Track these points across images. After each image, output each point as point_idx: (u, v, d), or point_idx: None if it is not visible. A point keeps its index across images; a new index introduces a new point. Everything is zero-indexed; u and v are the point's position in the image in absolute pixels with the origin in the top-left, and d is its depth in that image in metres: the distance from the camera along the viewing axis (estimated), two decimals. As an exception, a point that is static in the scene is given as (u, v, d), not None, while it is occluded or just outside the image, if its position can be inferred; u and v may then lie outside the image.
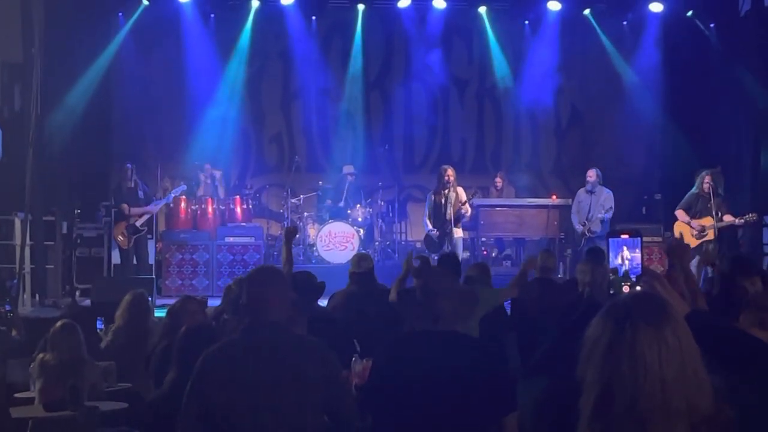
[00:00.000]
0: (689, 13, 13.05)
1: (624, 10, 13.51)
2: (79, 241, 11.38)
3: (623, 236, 2.91)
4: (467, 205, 10.47)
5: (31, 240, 10.46)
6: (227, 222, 12.04)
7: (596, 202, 10.96)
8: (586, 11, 13.47)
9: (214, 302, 7.48)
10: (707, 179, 10.14)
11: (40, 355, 5.79)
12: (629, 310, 1.98)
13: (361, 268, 6.35)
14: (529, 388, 3.69)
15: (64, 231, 11.28)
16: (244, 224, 12.05)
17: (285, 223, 12.05)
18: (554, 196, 12.02)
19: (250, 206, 12.39)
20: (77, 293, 10.75)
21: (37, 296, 10.57)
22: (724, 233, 10.32)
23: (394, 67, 14.13)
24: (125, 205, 10.91)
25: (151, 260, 11.37)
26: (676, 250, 3.30)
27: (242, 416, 3.18)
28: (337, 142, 13.76)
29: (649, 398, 1.89)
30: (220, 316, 5.95)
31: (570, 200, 11.40)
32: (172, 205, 11.81)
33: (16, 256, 10.42)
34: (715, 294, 4.39)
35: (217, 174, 12.58)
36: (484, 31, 13.74)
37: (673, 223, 10.60)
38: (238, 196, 12.34)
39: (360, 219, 12.08)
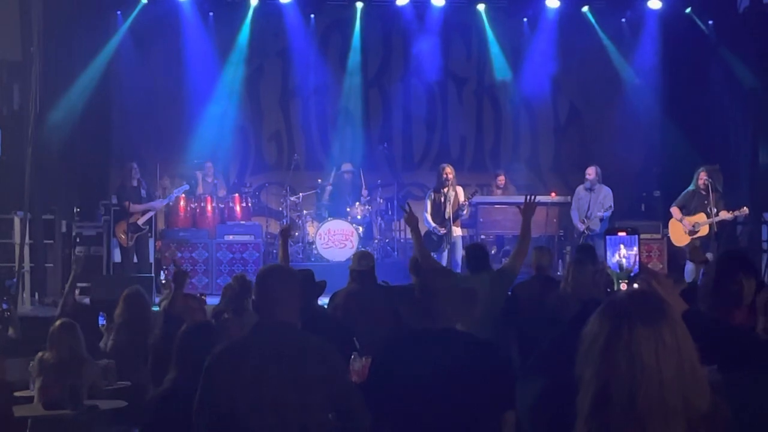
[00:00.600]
0: (688, 10, 13.02)
1: (622, 7, 13.49)
2: (78, 239, 11.38)
3: (620, 234, 2.92)
4: (467, 203, 10.47)
5: (30, 239, 10.47)
6: (226, 220, 12.04)
7: (595, 200, 10.95)
8: (585, 8, 13.45)
9: (213, 300, 7.51)
10: (703, 175, 10.12)
11: (40, 354, 5.78)
12: (627, 309, 1.97)
13: (362, 266, 6.34)
14: (526, 386, 3.69)
15: (64, 230, 11.28)
16: (243, 222, 12.03)
17: (284, 220, 12.05)
18: (553, 194, 12.00)
19: (250, 204, 12.38)
20: (76, 291, 10.74)
21: (36, 295, 10.58)
22: (722, 230, 10.32)
23: (392, 64, 14.10)
24: (128, 203, 10.91)
25: (151, 259, 11.37)
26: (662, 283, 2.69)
27: (250, 415, 3.17)
28: (335, 140, 13.74)
29: (647, 396, 1.89)
30: (220, 315, 5.96)
31: (569, 197, 11.40)
32: (171, 203, 11.81)
33: (16, 254, 10.42)
34: (710, 289, 4.36)
35: (209, 177, 12.52)
36: (482, 29, 13.71)
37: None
38: (237, 194, 12.33)
39: (359, 217, 12.07)
